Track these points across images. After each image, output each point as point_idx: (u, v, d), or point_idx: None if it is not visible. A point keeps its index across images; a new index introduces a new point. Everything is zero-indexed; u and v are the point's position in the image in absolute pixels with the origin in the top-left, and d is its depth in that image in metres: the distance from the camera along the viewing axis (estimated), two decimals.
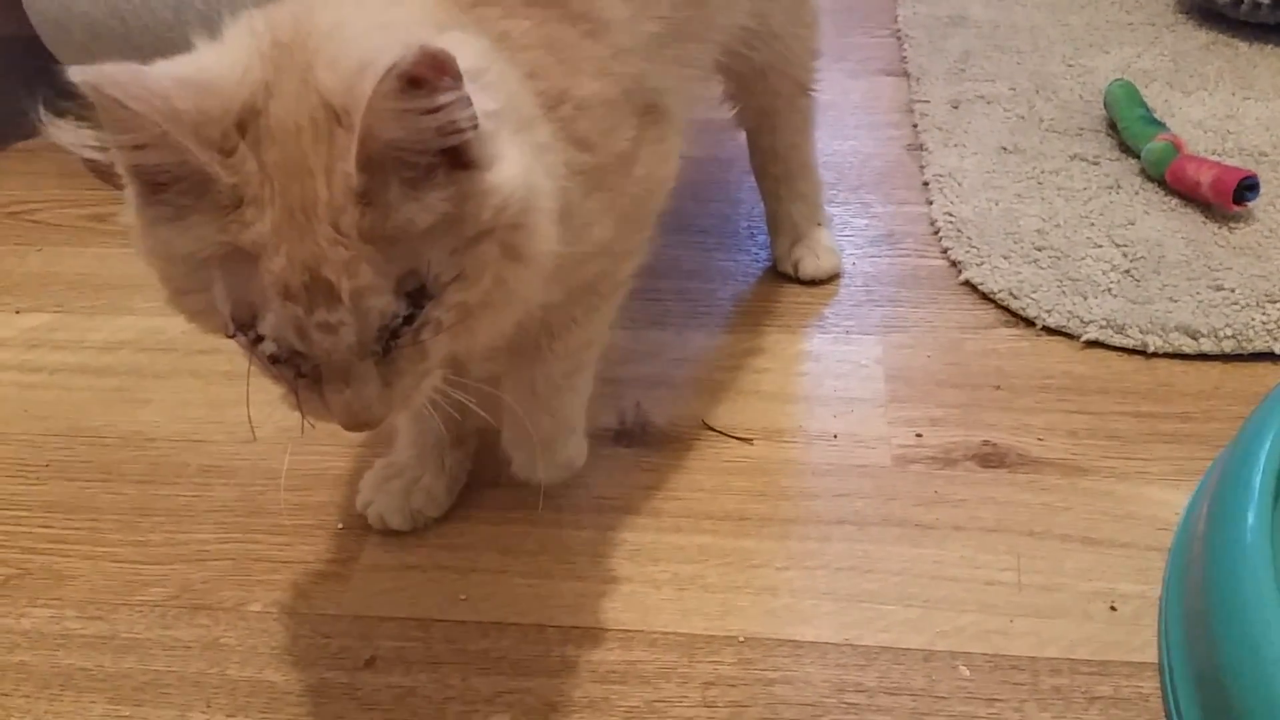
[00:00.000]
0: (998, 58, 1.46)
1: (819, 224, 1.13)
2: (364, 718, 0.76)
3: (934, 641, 0.78)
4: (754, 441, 0.95)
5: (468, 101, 0.55)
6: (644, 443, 0.95)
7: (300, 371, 0.60)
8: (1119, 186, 1.19)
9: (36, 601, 0.86)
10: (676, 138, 0.82)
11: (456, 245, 0.58)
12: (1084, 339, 1.01)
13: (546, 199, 0.62)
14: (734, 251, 1.17)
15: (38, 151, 1.44)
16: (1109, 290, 1.05)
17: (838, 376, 1.00)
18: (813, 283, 1.11)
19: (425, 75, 0.52)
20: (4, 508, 0.94)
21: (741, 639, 0.79)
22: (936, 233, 1.15)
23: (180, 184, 0.56)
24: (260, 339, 0.58)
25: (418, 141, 0.55)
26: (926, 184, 1.23)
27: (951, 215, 1.16)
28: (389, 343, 0.59)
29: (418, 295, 0.58)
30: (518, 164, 0.59)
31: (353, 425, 0.61)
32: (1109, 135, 1.29)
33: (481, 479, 0.88)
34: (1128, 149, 1.25)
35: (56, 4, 1.24)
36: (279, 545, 0.88)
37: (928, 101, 1.37)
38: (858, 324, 1.06)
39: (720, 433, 0.96)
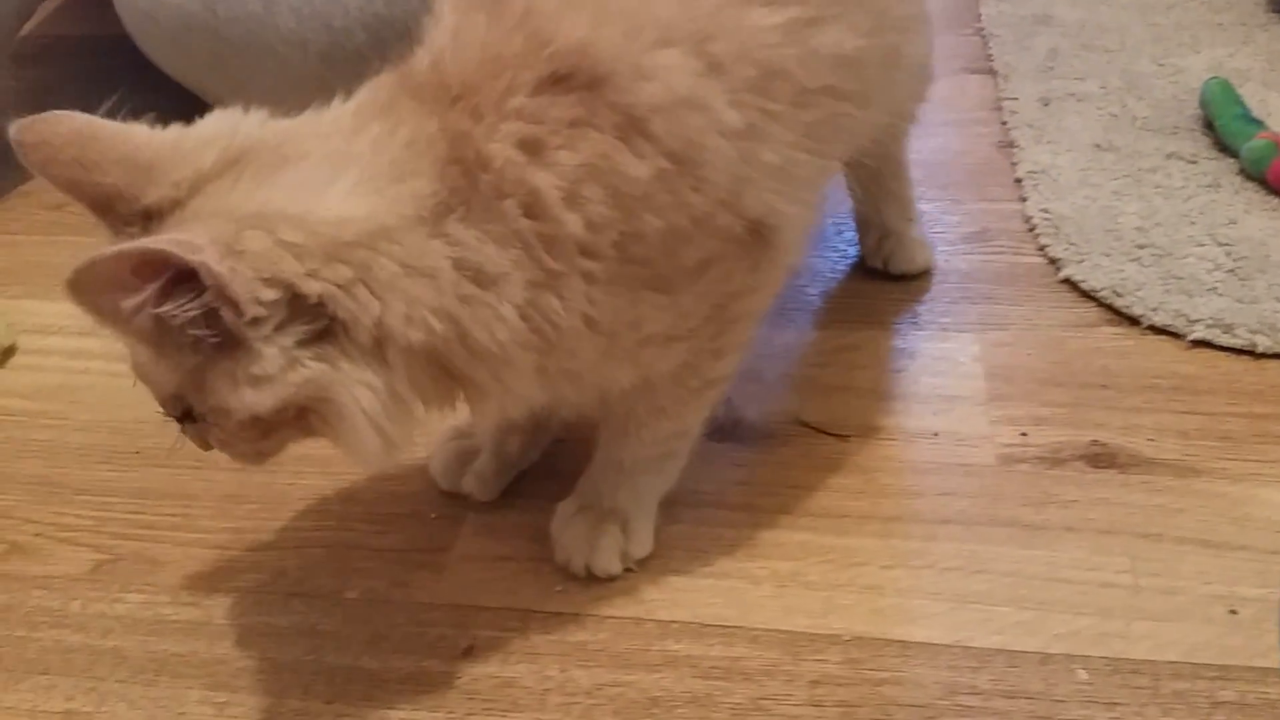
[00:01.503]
0: (1086, 56, 1.43)
1: (910, 220, 1.10)
2: (465, 706, 0.74)
3: (1050, 644, 0.75)
4: (850, 438, 0.93)
5: (217, 297, 0.57)
6: (736, 438, 0.94)
7: None
8: (1219, 185, 1.16)
9: (130, 587, 0.85)
10: (777, 264, 0.74)
11: (207, 406, 0.63)
12: (1190, 338, 0.98)
13: (355, 413, 0.62)
14: (822, 248, 1.15)
15: None
16: (1214, 289, 1.02)
17: (935, 374, 0.98)
18: (903, 277, 1.09)
19: (149, 266, 0.56)
20: (94, 494, 0.94)
21: (847, 638, 0.77)
22: (1032, 230, 1.13)
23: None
24: None
25: (135, 311, 0.58)
26: (1019, 181, 1.20)
27: (1048, 212, 1.14)
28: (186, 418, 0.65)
29: (189, 412, 0.64)
30: (277, 379, 0.60)
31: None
32: (1205, 134, 1.25)
33: (575, 470, 0.86)
34: (1225, 148, 1.21)
35: None
36: (374, 533, 0.87)
37: (1016, 99, 1.34)
38: (954, 321, 1.03)
39: (815, 429, 0.94)
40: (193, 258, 0.55)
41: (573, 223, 0.63)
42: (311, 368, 0.60)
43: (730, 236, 0.68)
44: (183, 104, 1.45)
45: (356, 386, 0.61)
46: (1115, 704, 0.71)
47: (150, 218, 0.61)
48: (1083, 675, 0.73)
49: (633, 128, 0.62)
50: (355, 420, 0.62)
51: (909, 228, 1.10)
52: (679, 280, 0.68)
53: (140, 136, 0.63)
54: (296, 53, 1.14)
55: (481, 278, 0.62)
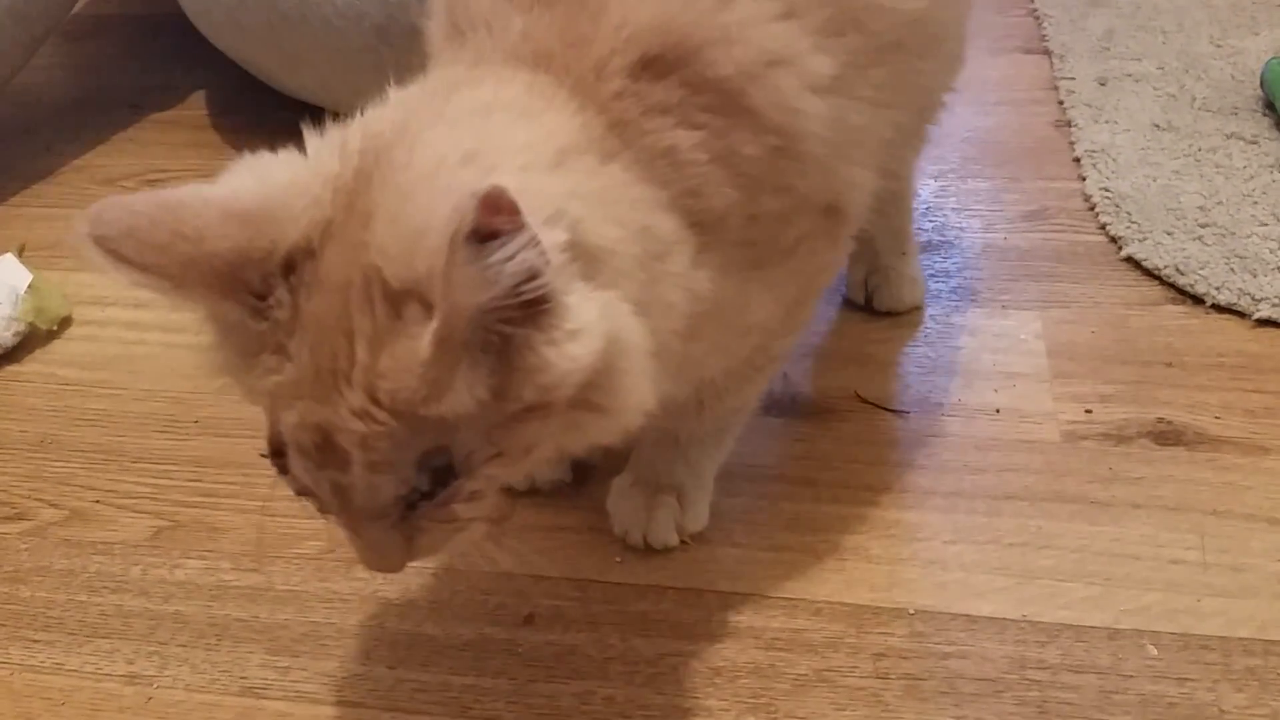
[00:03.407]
0: (1142, 37, 1.41)
1: (903, 254, 1.02)
2: (526, 673, 0.74)
3: (1119, 620, 0.74)
4: (909, 414, 0.92)
5: (537, 240, 0.47)
6: (794, 413, 0.93)
7: (321, 509, 0.57)
8: None
9: (190, 553, 0.86)
10: (848, 236, 0.73)
11: (495, 422, 0.52)
12: (1256, 317, 0.97)
13: (637, 355, 0.54)
14: None
15: (173, 122, 1.46)
16: (1279, 269, 1.00)
17: (996, 351, 0.97)
18: (890, 314, 1.02)
19: (492, 224, 0.46)
20: (154, 461, 0.94)
21: (912, 611, 0.76)
22: (1092, 208, 1.11)
23: (209, 318, 0.53)
24: (286, 470, 0.55)
25: (490, 303, 0.48)
26: (1078, 160, 1.19)
27: (1109, 191, 1.12)
28: (407, 511, 0.55)
29: (443, 472, 0.53)
30: (595, 331, 0.51)
31: (374, 569, 0.58)
32: (1265, 115, 1.23)
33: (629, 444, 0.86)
34: None
35: None
36: None
37: (1073, 79, 1.32)
38: (1014, 298, 1.02)
39: (873, 405, 0.93)
40: (513, 214, 0.46)
41: (714, 198, 0.61)
42: (609, 306, 0.53)
43: (819, 211, 0.68)
44: (234, 81, 1.47)
45: (631, 320, 0.54)
46: (1186, 679, 0.71)
47: (292, 265, 0.52)
48: (1152, 650, 0.72)
49: (734, 104, 0.61)
50: (638, 361, 0.54)
51: (901, 263, 1.02)
52: (775, 259, 0.67)
53: (227, 188, 0.54)
54: (352, 26, 1.14)
55: (659, 245, 0.59)
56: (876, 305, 1.02)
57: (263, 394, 0.53)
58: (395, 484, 0.53)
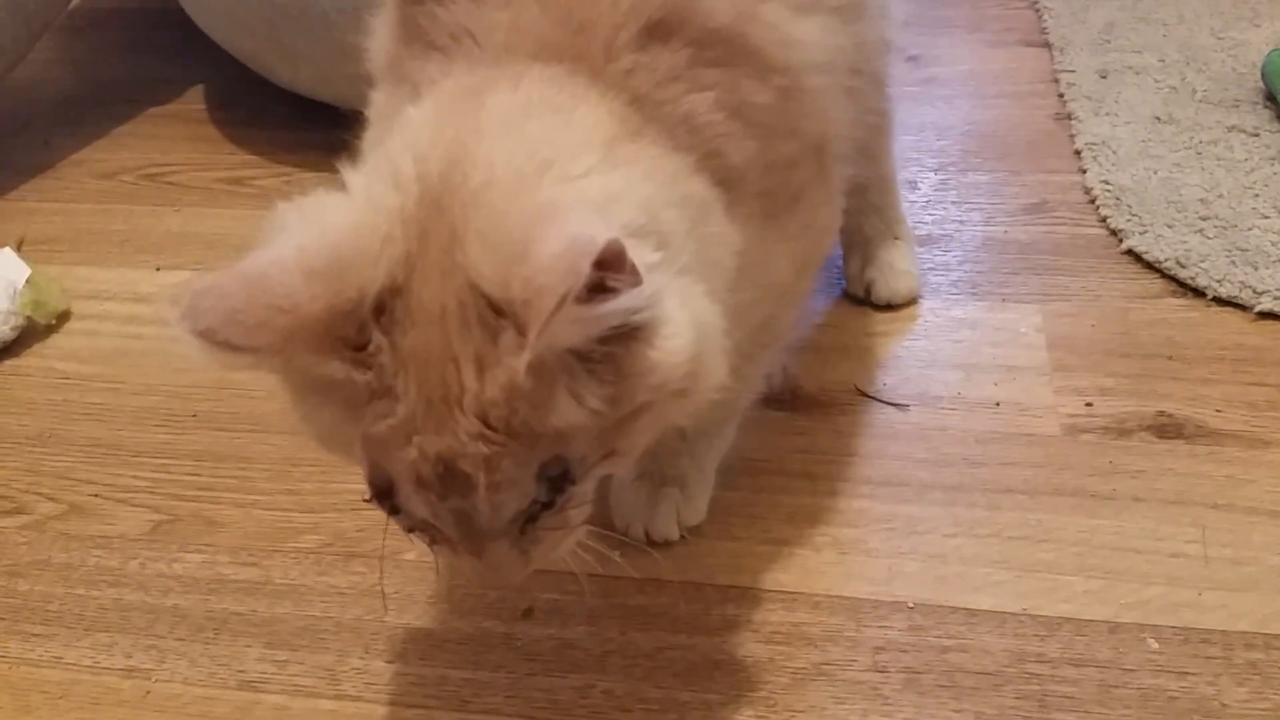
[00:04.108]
0: (1143, 29, 1.40)
1: (896, 238, 1.03)
2: (525, 667, 0.74)
3: (1119, 613, 0.74)
4: (909, 408, 0.91)
5: (639, 282, 0.49)
6: (794, 407, 0.93)
7: (434, 540, 0.57)
8: None
9: (188, 547, 0.86)
10: (838, 180, 0.75)
11: (609, 425, 0.53)
12: (1257, 310, 0.96)
13: (716, 333, 0.56)
14: None
15: (171, 116, 1.45)
16: None
17: (996, 344, 0.96)
18: (888, 307, 1.02)
19: (606, 281, 0.47)
20: (152, 455, 0.94)
21: (911, 605, 0.76)
22: (1093, 201, 1.11)
23: (310, 379, 0.52)
24: (397, 510, 0.56)
25: (593, 340, 0.50)
26: (1078, 153, 1.18)
27: (1109, 184, 1.12)
28: (526, 524, 0.56)
29: (559, 480, 0.54)
30: (683, 323, 0.53)
31: (489, 588, 0.59)
32: (1266, 107, 1.23)
33: None
34: None
35: None
36: None
37: (1073, 71, 1.32)
38: (1014, 292, 1.01)
39: (873, 398, 0.93)
40: (630, 273, 0.47)
41: (734, 153, 0.62)
42: (686, 293, 0.54)
43: (816, 155, 0.69)
44: (232, 75, 1.47)
45: (705, 302, 0.56)
46: (1187, 673, 0.70)
47: (382, 308, 0.51)
48: (1153, 644, 0.72)
49: (738, 51, 0.62)
50: (716, 339, 0.56)
51: (895, 252, 1.03)
52: (785, 207, 0.68)
53: (293, 247, 0.52)
54: (351, 20, 1.13)
55: (699, 210, 0.60)
56: (875, 298, 1.02)
57: (374, 441, 0.53)
58: (518, 499, 0.54)
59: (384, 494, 0.55)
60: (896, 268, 1.02)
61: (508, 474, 0.52)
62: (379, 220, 0.53)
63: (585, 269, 0.45)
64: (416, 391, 0.51)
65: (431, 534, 0.57)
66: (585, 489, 0.57)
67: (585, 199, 0.53)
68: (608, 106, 0.58)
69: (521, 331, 0.49)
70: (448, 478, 0.52)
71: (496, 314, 0.50)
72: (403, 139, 0.58)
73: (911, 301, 1.02)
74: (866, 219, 1.01)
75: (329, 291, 0.50)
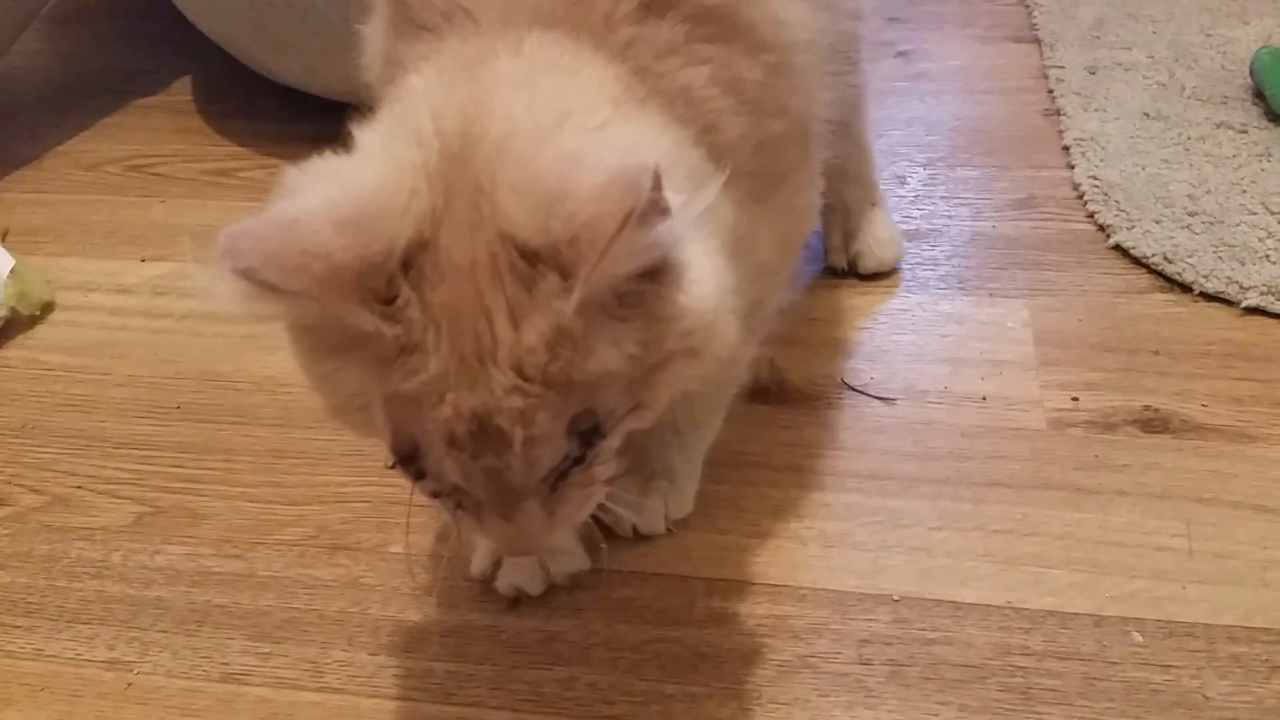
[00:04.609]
0: (1133, 26, 1.40)
1: (873, 204, 1.04)
2: (510, 659, 0.74)
3: (1103, 606, 0.74)
4: (896, 402, 0.91)
5: (668, 212, 0.49)
6: (781, 400, 0.93)
7: (460, 504, 0.57)
8: (1269, 155, 1.14)
9: (172, 539, 0.85)
10: (818, 163, 0.76)
11: (636, 377, 0.53)
12: (1244, 305, 0.96)
13: (727, 291, 0.56)
14: None
15: (157, 108, 1.45)
16: (1267, 257, 1.00)
17: (983, 339, 0.96)
18: (875, 277, 1.04)
19: (661, 202, 0.48)
20: (135, 447, 0.94)
21: (896, 597, 0.76)
22: (1080, 197, 1.11)
23: (335, 335, 0.51)
24: (422, 474, 0.55)
25: (632, 272, 0.50)
26: (1067, 148, 1.18)
27: (1097, 179, 1.12)
28: (556, 482, 0.56)
29: (590, 435, 0.54)
30: (706, 271, 0.54)
31: (514, 553, 0.58)
32: (1255, 104, 1.23)
33: None
34: (1276, 118, 1.19)
35: None
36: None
37: (1063, 67, 1.32)
38: (1001, 286, 1.01)
39: (860, 392, 0.93)
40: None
41: (728, 129, 0.62)
42: (703, 247, 0.55)
43: (801, 136, 0.70)
44: (219, 65, 1.46)
45: (719, 259, 0.57)
46: (1170, 666, 0.70)
47: (410, 262, 0.51)
48: (1137, 638, 0.72)
49: (731, 27, 0.62)
50: (728, 299, 0.56)
51: (875, 219, 1.04)
52: (771, 189, 0.68)
53: (319, 199, 0.52)
54: (337, 9, 1.13)
55: (698, 181, 0.59)
56: (862, 270, 1.04)
57: (401, 401, 0.52)
58: (552, 455, 0.53)
59: (408, 459, 0.54)
60: (880, 237, 1.04)
61: (543, 428, 0.51)
62: (403, 175, 0.52)
63: (646, 185, 0.46)
64: (449, 347, 0.50)
65: (458, 498, 0.56)
66: (612, 444, 0.57)
67: (610, 146, 0.53)
68: (613, 71, 0.59)
69: (567, 274, 0.49)
70: (481, 435, 0.51)
71: (531, 263, 0.50)
72: (413, 101, 0.57)
73: (897, 267, 1.04)
74: (846, 187, 1.03)
75: (358, 243, 0.49)
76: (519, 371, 0.50)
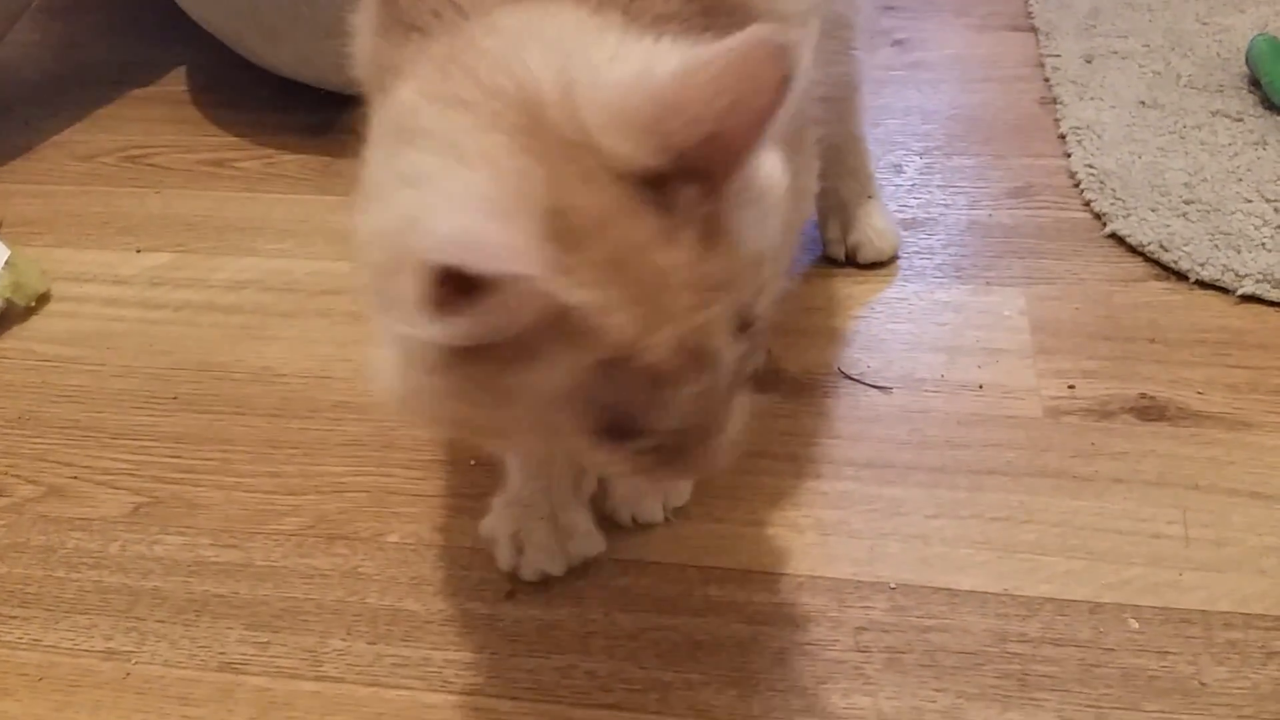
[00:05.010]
0: (1128, 14, 1.40)
1: (869, 196, 1.05)
2: (508, 648, 0.74)
3: (1100, 593, 0.74)
4: (892, 390, 0.91)
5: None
6: (777, 389, 0.93)
7: (660, 458, 0.55)
8: (1265, 143, 1.14)
9: (169, 529, 0.85)
10: (813, 143, 0.76)
11: (759, 265, 0.54)
12: (1240, 293, 0.97)
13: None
14: None
15: (152, 98, 1.44)
16: (1263, 245, 1.00)
17: (979, 327, 0.96)
18: (872, 266, 1.04)
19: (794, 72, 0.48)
20: (132, 438, 0.94)
21: (893, 585, 0.76)
22: (1077, 185, 1.11)
23: (514, 341, 0.49)
24: (630, 436, 0.54)
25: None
26: (1063, 137, 1.18)
27: (1093, 168, 1.12)
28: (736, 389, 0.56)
29: (745, 329, 0.54)
30: (778, 162, 0.55)
31: (707, 474, 0.60)
32: (1251, 92, 1.23)
33: None
34: (1272, 105, 1.19)
35: None
36: (414, 479, 0.86)
37: (1059, 56, 1.32)
38: (998, 275, 1.02)
39: (856, 380, 0.93)
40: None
41: None
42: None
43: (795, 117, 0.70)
44: (214, 56, 1.46)
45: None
46: (1167, 653, 0.71)
47: (555, 235, 0.50)
48: (1133, 624, 0.72)
49: (725, 2, 0.62)
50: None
51: (871, 211, 1.04)
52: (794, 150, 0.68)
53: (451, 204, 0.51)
54: (331, 1, 1.13)
55: None
56: (861, 260, 1.04)
57: (611, 364, 0.50)
58: (738, 354, 0.54)
59: (618, 426, 0.53)
60: (878, 227, 1.04)
61: (730, 327, 0.52)
62: (504, 165, 0.51)
63: (790, 49, 0.47)
64: (629, 295, 0.49)
65: (660, 453, 0.55)
66: (761, 329, 0.56)
67: (674, 51, 0.53)
68: (619, 20, 0.58)
69: (705, 175, 0.49)
70: (698, 359, 0.51)
71: (658, 187, 0.49)
72: (447, 96, 0.55)
73: (895, 256, 1.05)
74: (842, 182, 1.03)
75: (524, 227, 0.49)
76: (698, 286, 0.50)
